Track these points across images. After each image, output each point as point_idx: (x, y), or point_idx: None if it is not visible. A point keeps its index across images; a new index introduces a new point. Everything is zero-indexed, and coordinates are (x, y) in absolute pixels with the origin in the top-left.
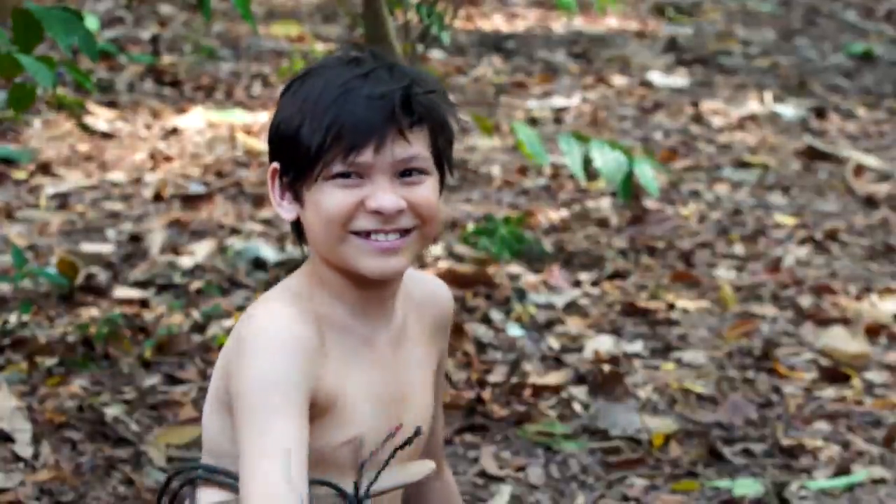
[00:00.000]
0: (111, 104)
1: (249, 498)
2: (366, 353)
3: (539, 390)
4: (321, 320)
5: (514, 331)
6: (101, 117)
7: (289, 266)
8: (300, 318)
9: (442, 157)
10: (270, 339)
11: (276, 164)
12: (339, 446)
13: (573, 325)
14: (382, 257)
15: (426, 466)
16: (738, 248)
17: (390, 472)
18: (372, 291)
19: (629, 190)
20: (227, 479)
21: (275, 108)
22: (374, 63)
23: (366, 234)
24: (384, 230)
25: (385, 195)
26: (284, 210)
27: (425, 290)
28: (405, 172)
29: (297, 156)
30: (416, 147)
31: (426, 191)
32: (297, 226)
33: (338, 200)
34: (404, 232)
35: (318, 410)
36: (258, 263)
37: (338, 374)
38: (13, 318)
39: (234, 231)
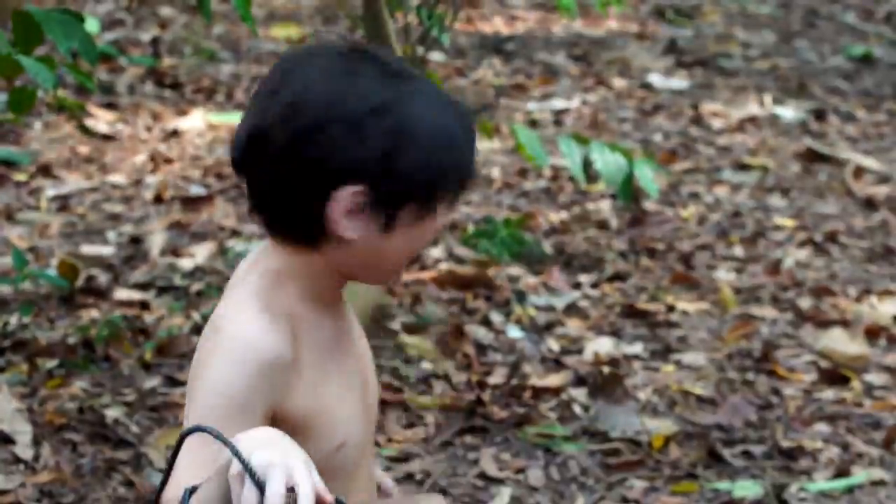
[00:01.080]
0: (112, 106)
1: None
2: (338, 350)
3: (539, 392)
4: (295, 320)
5: (514, 332)
6: (101, 119)
7: None
8: (272, 327)
9: None
10: (233, 348)
11: (361, 188)
12: (331, 453)
13: (573, 326)
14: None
15: (436, 500)
16: (738, 250)
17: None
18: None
19: (629, 192)
20: None
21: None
22: (429, 85)
23: None
24: None
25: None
26: (350, 229)
27: None
28: None
29: (397, 188)
30: None
31: None
32: (314, 231)
33: (431, 236)
34: None
35: (295, 426)
36: None
37: (315, 384)
38: (14, 320)
39: (235, 233)
